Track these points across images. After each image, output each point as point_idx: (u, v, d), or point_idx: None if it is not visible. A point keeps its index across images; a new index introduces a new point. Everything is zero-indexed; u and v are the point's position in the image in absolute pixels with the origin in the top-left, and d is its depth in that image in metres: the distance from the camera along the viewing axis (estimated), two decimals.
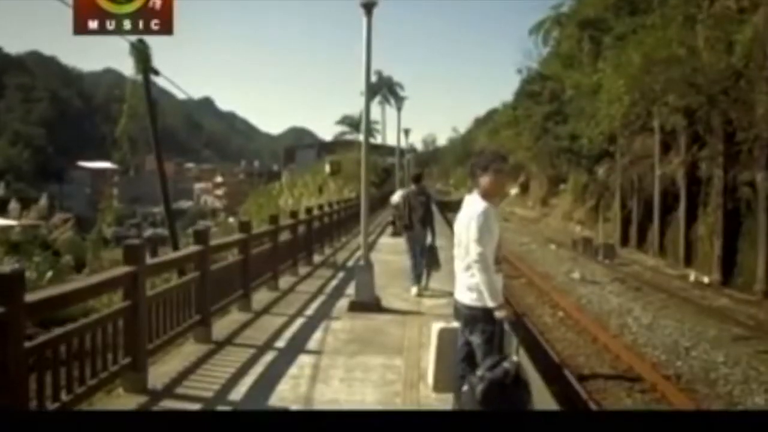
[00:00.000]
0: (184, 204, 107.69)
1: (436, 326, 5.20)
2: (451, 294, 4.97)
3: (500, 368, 4.22)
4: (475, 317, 4.42)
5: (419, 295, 10.50)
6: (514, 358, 4.32)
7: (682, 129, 23.14)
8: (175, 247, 17.57)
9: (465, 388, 4.41)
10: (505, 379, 4.17)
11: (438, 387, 5.15)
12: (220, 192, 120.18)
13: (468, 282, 4.46)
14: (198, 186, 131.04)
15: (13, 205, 17.90)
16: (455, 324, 4.82)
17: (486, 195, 4.49)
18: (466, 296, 4.49)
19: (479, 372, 4.28)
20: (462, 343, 4.70)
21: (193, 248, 7.24)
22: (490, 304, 4.29)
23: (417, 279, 10.72)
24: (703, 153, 22.08)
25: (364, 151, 10.28)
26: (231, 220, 52.84)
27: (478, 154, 4.82)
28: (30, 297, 4.03)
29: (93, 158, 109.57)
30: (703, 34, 20.21)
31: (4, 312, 3.70)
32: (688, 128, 22.68)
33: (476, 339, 4.46)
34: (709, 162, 21.48)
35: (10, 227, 17.42)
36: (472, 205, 4.48)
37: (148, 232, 75.23)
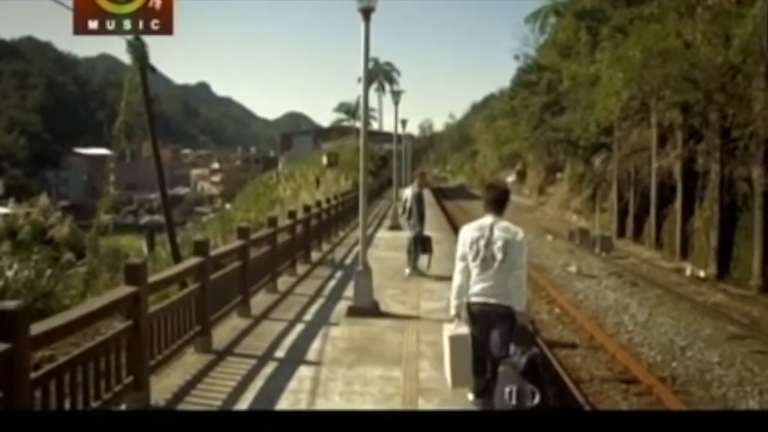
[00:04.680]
0: (181, 190, 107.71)
1: (447, 333, 5.63)
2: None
3: (533, 350, 5.14)
4: (511, 314, 5.34)
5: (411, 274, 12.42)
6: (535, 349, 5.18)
7: (678, 124, 23.17)
8: (172, 236, 17.49)
9: (502, 368, 5.08)
10: (538, 358, 5.09)
11: (456, 382, 5.63)
12: (216, 178, 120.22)
13: (507, 288, 5.36)
14: (194, 172, 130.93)
15: (12, 206, 17.98)
16: (462, 329, 5.51)
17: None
18: (503, 299, 5.36)
19: (515, 353, 5.10)
20: (489, 337, 5.41)
21: (194, 260, 7.28)
22: (518, 308, 5.36)
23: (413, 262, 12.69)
24: (699, 147, 22.11)
25: (362, 159, 10.29)
26: (228, 206, 52.87)
27: (504, 190, 5.81)
28: (35, 329, 4.07)
29: (89, 144, 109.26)
30: (700, 27, 20.15)
31: (9, 347, 3.75)
32: (685, 123, 22.70)
33: (507, 330, 5.33)
34: (706, 156, 21.53)
35: (7, 216, 17.47)
36: (511, 230, 5.46)
37: (145, 218, 75.33)
